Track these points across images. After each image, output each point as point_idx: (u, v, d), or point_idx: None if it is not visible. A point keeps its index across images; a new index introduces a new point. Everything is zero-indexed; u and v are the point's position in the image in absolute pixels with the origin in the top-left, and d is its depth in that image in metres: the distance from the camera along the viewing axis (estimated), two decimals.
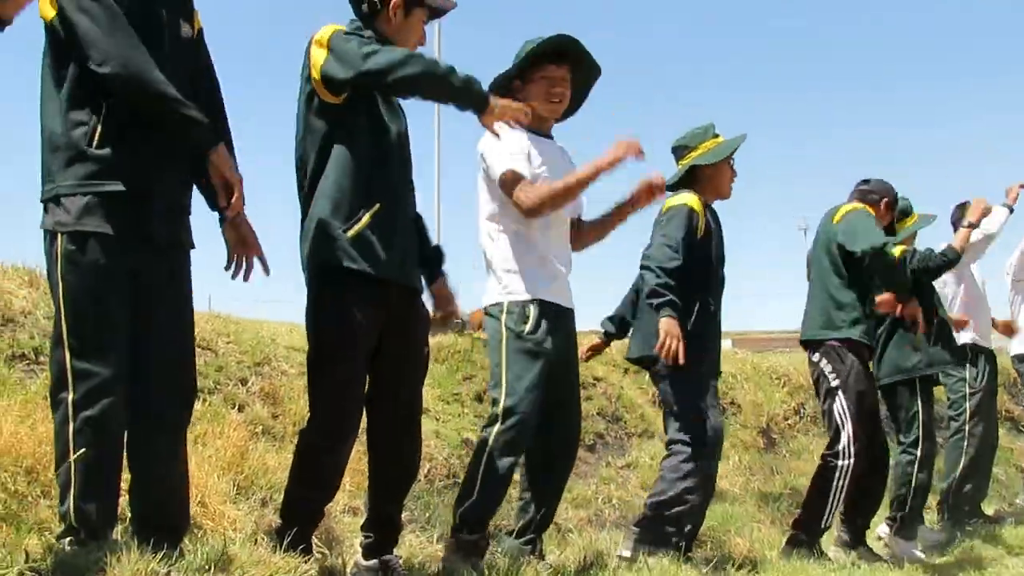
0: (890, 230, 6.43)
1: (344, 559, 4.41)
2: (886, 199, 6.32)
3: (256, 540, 4.22)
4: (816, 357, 5.91)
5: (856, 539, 6.12)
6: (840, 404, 5.77)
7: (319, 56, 3.88)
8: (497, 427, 4.42)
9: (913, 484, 6.44)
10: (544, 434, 4.61)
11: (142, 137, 3.38)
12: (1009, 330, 8.46)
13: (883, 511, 6.60)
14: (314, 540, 4.37)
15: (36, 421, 4.56)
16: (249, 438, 5.61)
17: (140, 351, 3.42)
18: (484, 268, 4.78)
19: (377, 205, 3.89)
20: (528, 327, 4.48)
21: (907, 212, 6.83)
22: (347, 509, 5.54)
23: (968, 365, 7.60)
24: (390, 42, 4.01)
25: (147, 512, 3.52)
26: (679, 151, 5.55)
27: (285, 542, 3.76)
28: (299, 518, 3.95)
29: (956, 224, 7.42)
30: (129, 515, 3.59)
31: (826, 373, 5.84)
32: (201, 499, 4.53)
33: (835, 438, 5.82)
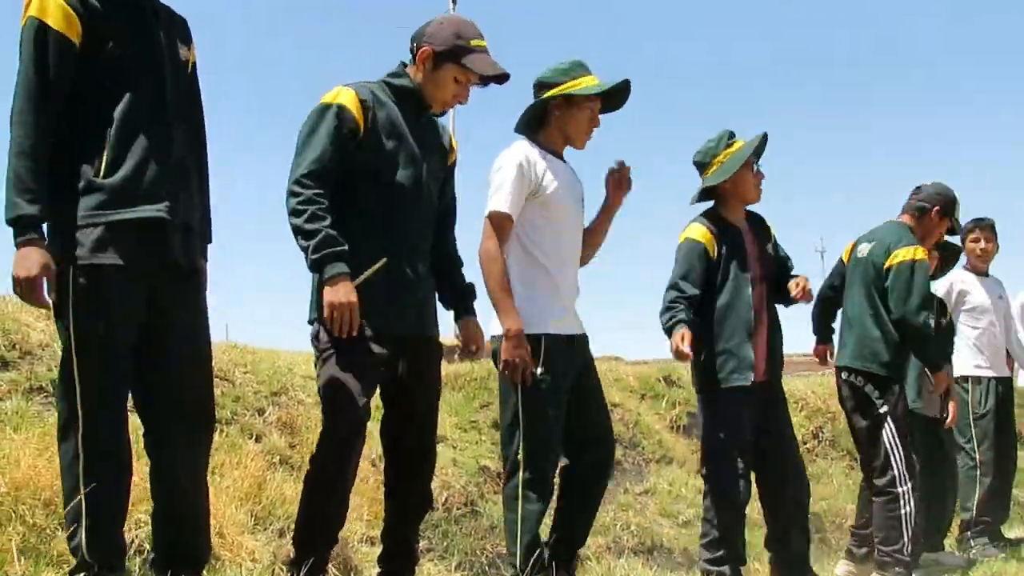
0: (950, 233, 6.33)
1: None
2: (937, 207, 6.15)
3: (273, 571, 4.23)
4: (860, 381, 5.81)
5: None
6: (890, 430, 5.72)
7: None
8: (520, 475, 4.38)
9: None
10: (577, 457, 4.59)
11: (150, 163, 3.35)
12: None
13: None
14: (331, 569, 4.36)
15: (54, 454, 4.54)
16: (267, 468, 5.63)
17: (159, 377, 3.40)
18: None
19: (383, 260, 3.87)
20: (540, 370, 4.39)
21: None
22: (364, 539, 5.55)
23: (971, 389, 7.50)
24: (418, 91, 4.06)
25: (170, 539, 3.49)
26: (698, 167, 5.48)
27: (303, 572, 3.75)
28: (316, 545, 3.93)
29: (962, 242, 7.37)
30: (148, 547, 3.59)
31: (874, 399, 5.77)
32: (219, 529, 4.53)
33: (885, 465, 5.74)
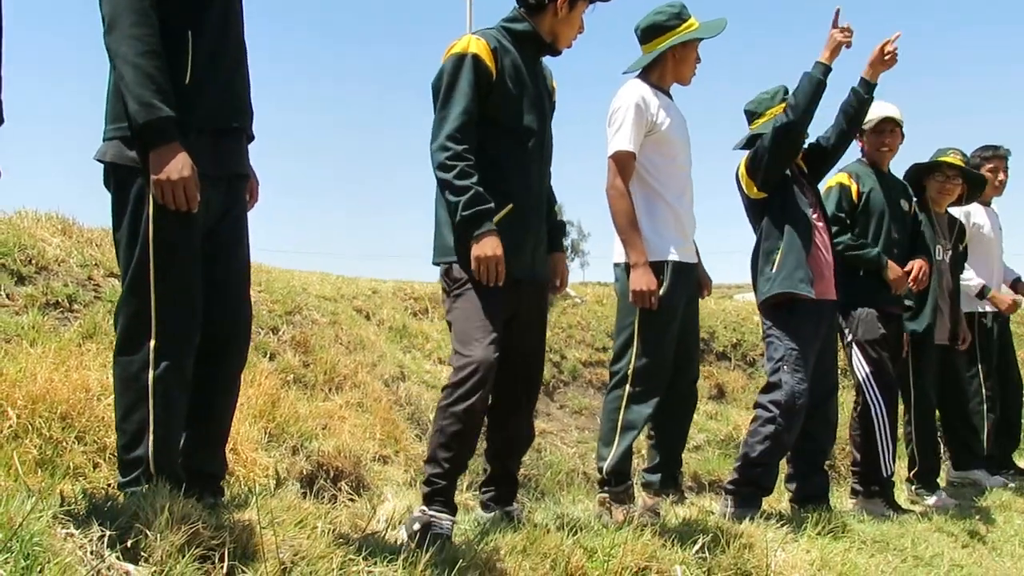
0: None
1: (374, 505, 4.45)
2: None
3: (287, 486, 4.28)
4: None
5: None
6: (858, 357, 5.83)
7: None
8: (627, 388, 4.66)
9: (914, 440, 6.66)
10: (672, 382, 4.82)
11: (231, 72, 3.39)
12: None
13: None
14: (343, 486, 4.41)
15: (70, 368, 4.62)
16: (280, 386, 5.67)
17: (211, 288, 3.37)
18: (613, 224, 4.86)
19: (510, 206, 3.96)
20: (663, 292, 4.63)
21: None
22: (377, 457, 5.60)
23: (976, 323, 7.49)
24: (547, 36, 4.13)
25: (194, 453, 3.45)
26: (749, 116, 5.57)
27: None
28: (448, 470, 3.95)
29: (976, 169, 7.32)
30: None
31: (841, 328, 5.85)
32: (233, 446, 4.58)
33: (858, 390, 5.92)
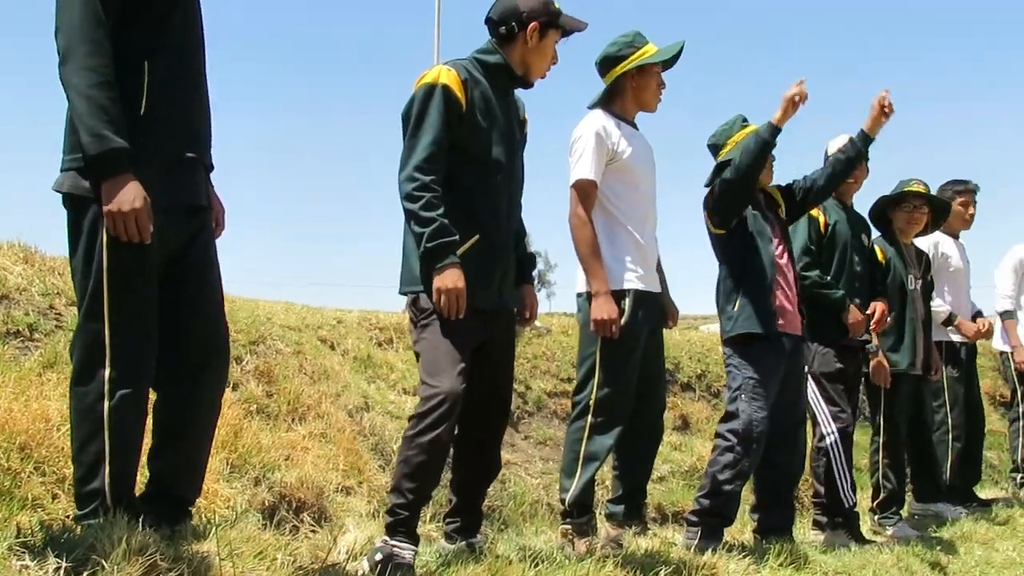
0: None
1: (335, 536, 4.42)
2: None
3: (248, 518, 4.25)
4: None
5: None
6: (812, 389, 5.90)
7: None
8: (589, 419, 4.66)
9: (880, 470, 6.72)
10: (637, 411, 4.83)
11: (187, 101, 3.38)
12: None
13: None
14: (305, 517, 4.39)
15: (30, 398, 4.58)
16: (243, 416, 5.64)
17: (179, 314, 3.37)
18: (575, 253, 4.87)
19: (476, 237, 3.98)
20: (624, 319, 4.64)
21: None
22: (340, 488, 5.58)
23: (944, 352, 7.60)
24: (518, 67, 4.17)
25: (166, 478, 3.44)
26: (712, 150, 5.63)
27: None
28: (412, 502, 3.93)
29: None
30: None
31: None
32: None
33: (814, 422, 5.99)
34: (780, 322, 5.26)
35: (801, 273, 5.67)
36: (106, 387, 3.15)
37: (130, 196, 3.09)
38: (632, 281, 4.72)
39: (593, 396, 4.66)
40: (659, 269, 5.02)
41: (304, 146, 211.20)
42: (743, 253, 5.33)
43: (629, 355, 4.69)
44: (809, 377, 5.89)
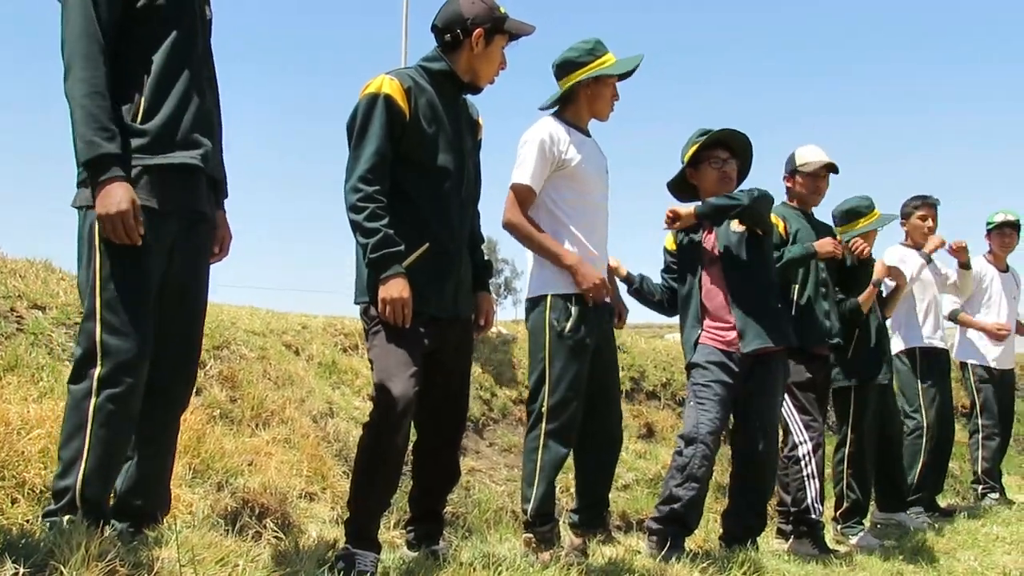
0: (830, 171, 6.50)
1: (299, 543, 4.40)
2: (785, 173, 6.43)
3: (210, 523, 4.21)
4: None
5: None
6: (786, 401, 5.93)
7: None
8: (544, 426, 4.64)
9: (845, 480, 6.81)
10: (594, 418, 4.84)
11: (186, 111, 3.42)
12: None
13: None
14: (268, 523, 4.36)
15: None
16: (206, 422, 5.59)
17: (162, 324, 3.41)
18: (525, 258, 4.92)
19: (426, 246, 3.98)
20: (570, 325, 4.65)
21: (861, 212, 6.89)
22: (303, 494, 5.55)
23: (919, 361, 7.73)
24: (464, 74, 4.18)
25: (134, 490, 3.47)
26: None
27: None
28: (369, 511, 3.97)
29: (896, 217, 7.56)
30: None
31: None
32: None
33: (786, 432, 6.05)
34: (726, 340, 5.42)
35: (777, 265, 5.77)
36: (94, 385, 3.21)
37: (117, 198, 3.17)
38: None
39: (545, 404, 4.64)
40: (612, 280, 5.05)
41: (276, 149, 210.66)
42: (691, 276, 5.60)
43: (577, 359, 4.66)
44: None
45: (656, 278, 5.93)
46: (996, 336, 8.54)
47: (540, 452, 4.62)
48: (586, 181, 4.82)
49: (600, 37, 4.95)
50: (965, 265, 8.25)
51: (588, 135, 4.99)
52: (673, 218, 5.43)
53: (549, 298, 4.71)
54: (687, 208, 5.46)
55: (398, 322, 3.82)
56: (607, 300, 4.84)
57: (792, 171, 6.34)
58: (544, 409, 4.64)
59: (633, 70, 4.96)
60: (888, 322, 7.41)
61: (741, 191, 5.49)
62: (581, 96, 4.93)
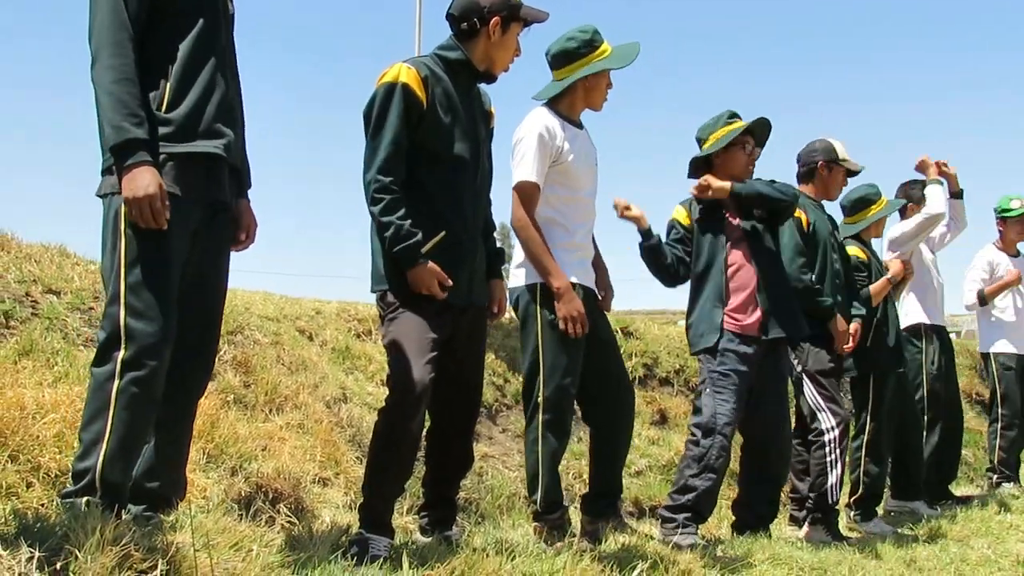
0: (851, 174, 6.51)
1: (312, 528, 4.41)
2: (820, 161, 6.35)
3: (224, 508, 4.22)
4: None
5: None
6: (808, 387, 5.99)
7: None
8: (540, 417, 4.62)
9: (862, 467, 6.82)
10: (598, 406, 4.86)
11: (210, 101, 3.45)
12: None
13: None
14: (282, 508, 4.37)
15: (5, 386, 4.55)
16: (220, 407, 5.60)
17: (184, 315, 3.43)
18: (514, 248, 4.89)
19: (442, 234, 3.98)
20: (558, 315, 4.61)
21: (871, 200, 6.88)
22: (317, 479, 5.55)
23: (924, 346, 7.71)
24: (481, 63, 4.19)
25: (149, 474, 3.50)
26: (698, 143, 5.71)
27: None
28: (384, 495, 4.00)
29: (905, 203, 7.55)
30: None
31: (791, 362, 5.97)
32: None
33: (812, 418, 6.09)
34: (743, 324, 5.38)
35: (799, 276, 5.72)
36: (118, 367, 3.23)
37: (144, 182, 3.21)
38: (570, 275, 4.68)
39: (541, 394, 4.62)
40: (599, 260, 5.02)
41: (292, 134, 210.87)
42: (704, 261, 5.55)
43: (571, 348, 4.63)
44: (804, 376, 5.94)
45: None
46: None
47: (540, 443, 4.61)
48: (577, 177, 4.80)
49: (602, 23, 4.94)
50: (957, 195, 8.04)
51: (581, 126, 4.96)
52: (706, 187, 5.41)
53: (539, 287, 4.68)
54: (722, 183, 5.43)
55: (439, 295, 3.90)
56: (593, 287, 4.86)
57: (831, 160, 6.31)
58: (540, 400, 4.63)
59: (629, 63, 4.91)
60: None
61: (786, 186, 5.51)
62: (579, 89, 4.89)
